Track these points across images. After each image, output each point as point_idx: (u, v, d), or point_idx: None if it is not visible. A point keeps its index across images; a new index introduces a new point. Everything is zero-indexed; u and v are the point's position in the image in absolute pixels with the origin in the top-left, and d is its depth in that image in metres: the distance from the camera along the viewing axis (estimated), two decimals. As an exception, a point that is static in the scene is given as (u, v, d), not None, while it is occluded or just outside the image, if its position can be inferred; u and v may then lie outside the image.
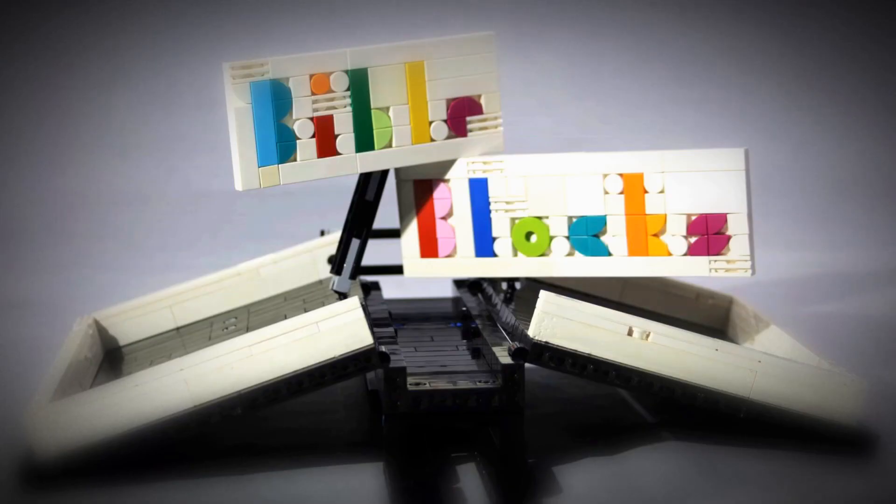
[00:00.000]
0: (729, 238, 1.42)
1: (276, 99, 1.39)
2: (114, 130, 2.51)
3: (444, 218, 1.50)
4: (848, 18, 2.81)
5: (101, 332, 1.58)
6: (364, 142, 1.43)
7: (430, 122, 1.46)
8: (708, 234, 1.43)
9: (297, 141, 1.40)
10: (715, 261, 1.43)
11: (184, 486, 1.30)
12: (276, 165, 1.40)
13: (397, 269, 1.56)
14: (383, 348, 1.31)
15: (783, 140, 2.73)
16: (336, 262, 1.48)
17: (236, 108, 1.37)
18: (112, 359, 1.55)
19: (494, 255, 1.49)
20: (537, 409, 1.49)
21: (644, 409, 1.51)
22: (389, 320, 1.52)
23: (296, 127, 1.40)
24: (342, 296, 1.47)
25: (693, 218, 1.43)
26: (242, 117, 1.37)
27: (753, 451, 1.38)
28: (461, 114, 1.47)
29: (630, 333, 1.34)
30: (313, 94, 1.40)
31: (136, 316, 1.60)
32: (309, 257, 1.62)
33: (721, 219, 1.42)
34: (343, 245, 1.48)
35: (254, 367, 1.32)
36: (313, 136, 1.41)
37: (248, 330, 1.48)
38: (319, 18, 2.72)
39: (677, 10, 2.81)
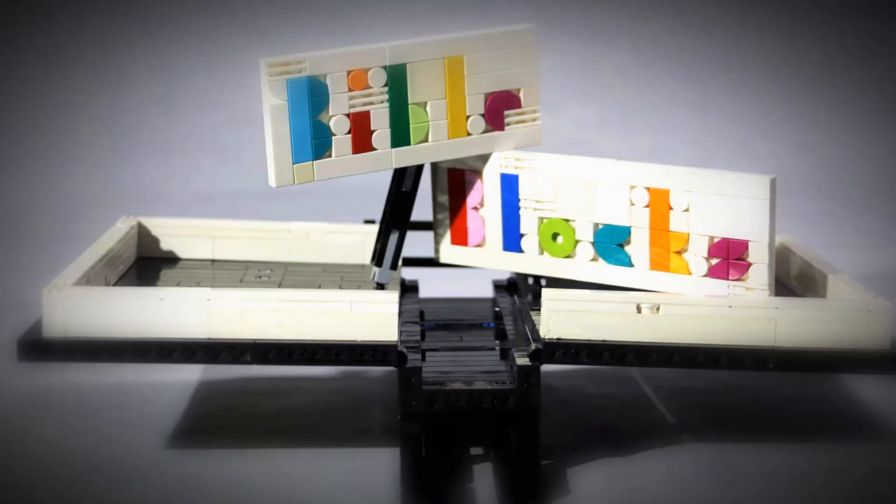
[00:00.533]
0: (749, 265, 1.39)
1: (313, 96, 1.39)
2: (115, 131, 2.49)
3: (475, 208, 1.51)
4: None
5: (141, 237, 1.60)
6: (400, 137, 1.43)
7: (468, 117, 1.46)
8: (729, 259, 1.40)
9: (333, 137, 1.40)
10: (734, 286, 1.40)
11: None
12: (310, 162, 1.40)
13: (428, 262, 1.57)
14: (403, 349, 1.31)
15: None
16: (376, 254, 1.49)
17: (272, 106, 1.37)
18: (142, 266, 1.57)
19: (521, 251, 1.50)
20: (554, 409, 1.49)
21: (663, 410, 1.52)
22: (419, 321, 1.53)
23: (332, 123, 1.40)
24: (381, 287, 1.47)
25: (716, 241, 1.41)
26: (278, 114, 1.38)
27: (771, 455, 1.38)
28: (499, 107, 1.47)
29: (639, 310, 1.33)
30: (350, 90, 1.40)
31: (178, 234, 1.61)
32: (361, 238, 1.61)
33: (743, 245, 1.39)
34: (382, 237, 1.48)
35: (276, 321, 1.33)
36: (349, 133, 1.41)
37: (279, 286, 1.49)
38: (322, 18, 2.69)
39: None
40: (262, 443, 1.43)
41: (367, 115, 1.41)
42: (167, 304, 1.32)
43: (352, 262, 1.62)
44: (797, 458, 1.39)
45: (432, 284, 1.69)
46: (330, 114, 1.39)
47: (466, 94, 1.44)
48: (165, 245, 1.61)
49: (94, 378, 1.60)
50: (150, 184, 2.46)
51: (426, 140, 1.44)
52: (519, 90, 1.47)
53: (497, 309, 1.58)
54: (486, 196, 1.50)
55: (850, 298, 1.39)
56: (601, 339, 1.33)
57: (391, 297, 1.33)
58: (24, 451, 1.42)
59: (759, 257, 1.38)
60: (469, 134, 1.45)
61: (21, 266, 2.05)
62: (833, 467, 1.37)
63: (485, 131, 1.46)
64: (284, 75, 1.37)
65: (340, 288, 1.42)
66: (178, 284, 1.49)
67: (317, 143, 1.39)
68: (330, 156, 1.40)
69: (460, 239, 1.53)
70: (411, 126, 1.43)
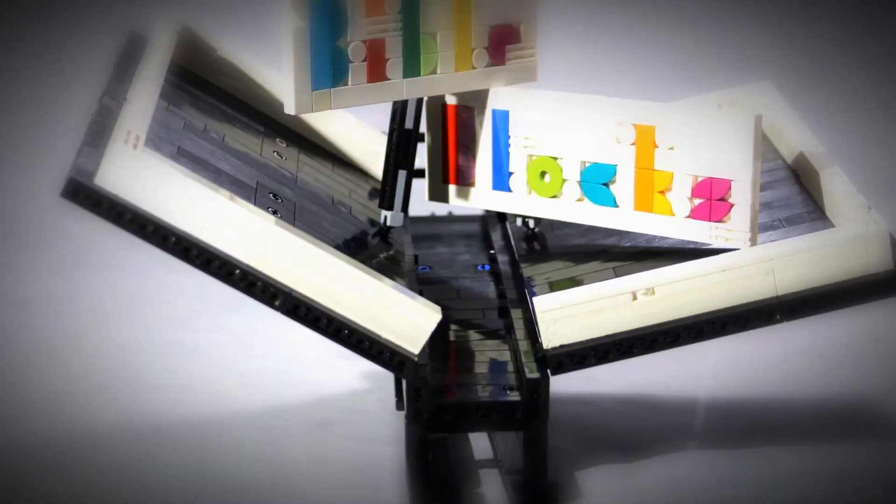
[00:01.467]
0: (731, 206, 1.38)
1: (334, 18, 1.37)
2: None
3: (466, 146, 1.50)
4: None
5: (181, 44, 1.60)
6: (411, 68, 1.43)
7: (473, 50, 1.46)
8: (711, 200, 1.39)
9: (350, 65, 1.39)
10: (716, 227, 1.39)
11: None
12: (328, 90, 1.38)
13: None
14: (426, 368, 1.32)
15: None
16: (385, 197, 1.47)
17: (295, 28, 1.35)
18: (173, 87, 1.53)
19: (510, 190, 1.50)
20: (563, 415, 1.51)
21: (670, 416, 1.53)
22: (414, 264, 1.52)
23: (350, 49, 1.38)
24: (385, 232, 1.47)
25: (700, 180, 1.39)
26: (300, 37, 1.36)
27: (778, 463, 1.40)
28: (501, 42, 1.48)
29: (635, 298, 1.32)
30: (368, 15, 1.39)
31: (213, 61, 1.62)
32: (375, 153, 1.61)
33: (725, 185, 1.38)
34: (390, 179, 1.47)
35: (321, 282, 1.31)
36: (364, 60, 1.39)
37: (294, 180, 1.50)
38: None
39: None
40: (264, 443, 1.43)
41: (382, 42, 1.40)
42: (220, 213, 1.29)
43: (360, 163, 1.64)
44: (804, 462, 1.41)
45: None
46: (349, 39, 1.38)
47: (472, 26, 1.44)
48: (203, 66, 1.61)
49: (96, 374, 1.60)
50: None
51: (435, 72, 1.44)
52: (519, 24, 1.49)
53: (492, 252, 1.59)
54: (477, 133, 1.50)
55: (845, 225, 1.36)
56: (603, 335, 1.33)
57: (434, 315, 1.31)
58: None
59: (741, 198, 1.37)
60: (474, 67, 1.47)
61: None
62: (841, 470, 1.41)
63: (488, 65, 1.47)
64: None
65: (350, 198, 1.40)
66: (204, 129, 1.46)
67: (335, 70, 1.37)
68: (346, 84, 1.38)
69: (451, 177, 1.52)
70: (422, 56, 1.43)
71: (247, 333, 1.78)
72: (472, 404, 1.32)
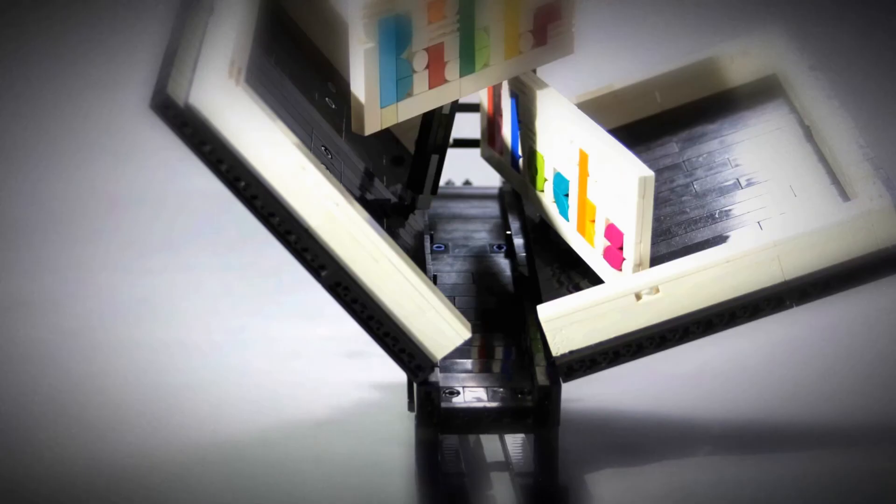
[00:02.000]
0: (623, 259, 1.35)
1: (399, 34, 1.36)
2: (114, 132, 2.35)
3: (498, 120, 1.54)
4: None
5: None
6: (467, 65, 1.44)
7: (520, 35, 1.46)
8: (613, 246, 1.36)
9: (414, 74, 1.39)
10: (618, 274, 1.35)
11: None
12: (395, 104, 1.39)
13: None
14: (440, 382, 1.31)
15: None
16: (415, 180, 1.48)
17: (366, 49, 1.34)
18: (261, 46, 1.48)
19: (519, 171, 1.53)
20: (573, 415, 1.51)
21: (682, 421, 1.53)
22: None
23: (414, 60, 1.38)
24: (409, 210, 1.46)
25: (609, 222, 1.36)
26: (371, 58, 1.35)
27: (787, 470, 1.42)
28: (544, 22, 1.50)
29: (639, 297, 1.31)
30: (430, 22, 1.38)
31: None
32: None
33: (620, 236, 1.34)
34: (419, 160, 1.47)
35: (369, 265, 1.29)
36: (426, 68, 1.39)
37: (341, 134, 1.47)
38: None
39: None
40: (267, 444, 1.44)
41: (441, 46, 1.40)
42: (300, 174, 1.27)
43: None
44: (811, 468, 1.42)
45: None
46: (413, 50, 1.37)
47: (521, 12, 1.44)
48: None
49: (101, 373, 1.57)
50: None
51: (487, 64, 1.44)
52: (559, 1, 1.48)
53: (508, 232, 1.59)
54: (502, 110, 1.53)
55: (849, 203, 1.33)
56: (611, 338, 1.31)
57: (462, 332, 1.31)
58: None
59: (630, 254, 1.33)
60: (520, 52, 1.46)
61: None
62: (851, 475, 1.42)
63: (533, 47, 1.47)
64: (377, 15, 1.33)
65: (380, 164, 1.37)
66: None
67: (400, 83, 1.37)
68: (410, 94, 1.39)
69: (492, 143, 1.57)
70: (476, 52, 1.43)
71: (248, 334, 1.76)
72: (483, 409, 1.32)
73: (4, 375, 1.60)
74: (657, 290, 1.30)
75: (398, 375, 1.57)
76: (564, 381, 1.31)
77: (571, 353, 1.31)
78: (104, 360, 1.65)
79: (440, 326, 1.30)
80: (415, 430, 1.30)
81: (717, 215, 1.41)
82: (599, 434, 1.49)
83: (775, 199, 1.41)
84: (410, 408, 1.50)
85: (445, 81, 1.41)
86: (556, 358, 1.31)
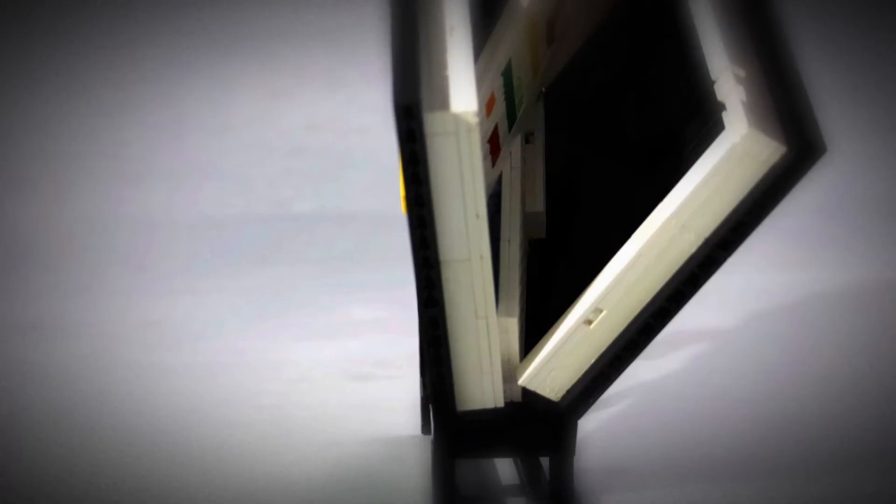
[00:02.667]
0: None
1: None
2: (123, 155, 2.38)
3: None
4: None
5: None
6: (511, 121, 1.43)
7: (539, 53, 1.46)
8: None
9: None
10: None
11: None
12: None
13: None
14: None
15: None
16: None
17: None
18: None
19: None
20: (588, 444, 1.49)
21: (698, 443, 1.49)
22: None
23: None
24: None
25: None
26: None
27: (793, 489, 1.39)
28: (553, 26, 1.47)
29: (590, 323, 1.31)
30: (486, 116, 1.36)
31: None
32: None
33: None
34: None
35: (462, 294, 1.26)
36: (489, 154, 1.39)
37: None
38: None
39: None
40: (277, 466, 1.44)
41: (497, 128, 1.37)
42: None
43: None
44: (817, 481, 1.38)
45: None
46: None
47: (538, 36, 1.43)
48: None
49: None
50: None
51: (522, 102, 1.42)
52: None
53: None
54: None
55: (716, 144, 1.26)
56: (592, 363, 1.32)
57: (498, 401, 1.30)
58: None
59: None
60: (540, 66, 1.45)
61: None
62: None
63: (543, 56, 1.45)
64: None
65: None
66: None
67: None
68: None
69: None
70: (515, 102, 1.41)
71: (255, 356, 1.76)
72: (499, 431, 1.32)
73: (15, 397, 1.62)
74: (600, 310, 1.31)
75: (407, 397, 1.58)
76: (576, 418, 1.33)
77: (568, 392, 1.33)
78: (110, 383, 1.68)
79: (484, 386, 1.31)
80: (431, 453, 1.30)
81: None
82: (617, 452, 1.48)
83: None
84: (425, 430, 1.50)
85: (500, 150, 1.39)
86: (559, 402, 1.33)
